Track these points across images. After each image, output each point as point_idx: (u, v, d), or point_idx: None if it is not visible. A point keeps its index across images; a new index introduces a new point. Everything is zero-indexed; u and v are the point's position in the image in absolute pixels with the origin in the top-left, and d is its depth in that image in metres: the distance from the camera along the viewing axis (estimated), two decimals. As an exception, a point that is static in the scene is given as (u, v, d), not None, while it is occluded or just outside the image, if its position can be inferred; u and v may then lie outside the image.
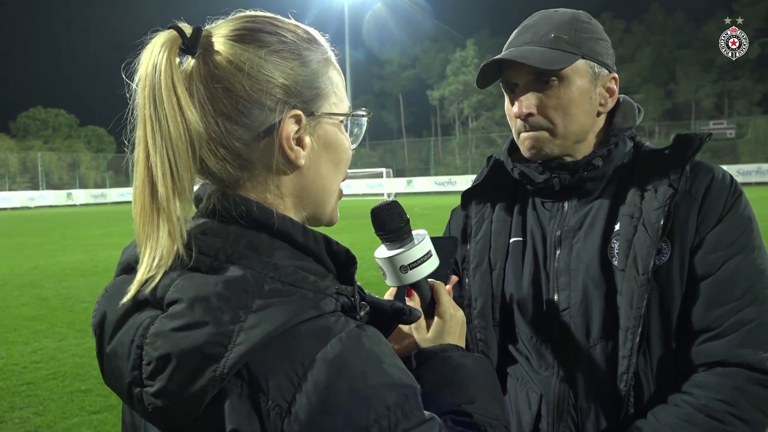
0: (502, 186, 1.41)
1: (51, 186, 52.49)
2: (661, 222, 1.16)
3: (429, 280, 1.04)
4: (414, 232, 1.03)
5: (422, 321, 1.02)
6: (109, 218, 28.47)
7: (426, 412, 0.73)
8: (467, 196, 1.47)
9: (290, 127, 0.80)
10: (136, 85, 0.76)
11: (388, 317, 0.90)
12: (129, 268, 0.83)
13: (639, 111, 1.33)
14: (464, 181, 40.27)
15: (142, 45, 0.77)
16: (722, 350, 1.13)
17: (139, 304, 0.76)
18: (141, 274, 0.74)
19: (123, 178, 59.54)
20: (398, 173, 52.46)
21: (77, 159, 57.57)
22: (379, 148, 61.41)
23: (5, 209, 42.42)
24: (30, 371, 5.45)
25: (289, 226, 0.78)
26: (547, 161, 1.28)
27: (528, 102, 1.24)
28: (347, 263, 0.82)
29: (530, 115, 1.24)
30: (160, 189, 0.73)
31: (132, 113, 0.77)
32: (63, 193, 49.25)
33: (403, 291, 1.06)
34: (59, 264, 12.26)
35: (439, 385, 0.91)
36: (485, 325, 1.36)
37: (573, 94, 1.23)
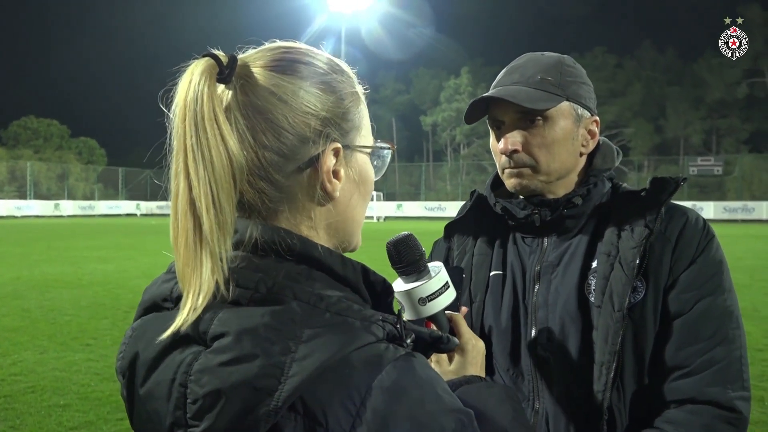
0: (484, 220, 1.45)
1: (39, 196, 52.10)
2: (637, 261, 1.20)
3: (447, 312, 1.04)
4: (430, 265, 1.03)
5: (445, 353, 1.01)
6: (96, 231, 28.27)
7: None
8: (450, 228, 1.51)
9: (330, 160, 0.79)
10: (173, 114, 0.74)
11: (425, 345, 0.89)
12: (155, 306, 0.81)
13: (618, 153, 1.39)
14: (454, 207, 40.39)
15: (179, 73, 0.75)
16: (692, 388, 1.16)
17: (178, 341, 0.73)
18: (186, 311, 0.71)
19: (112, 191, 59.30)
20: (388, 197, 52.61)
21: (67, 170, 57.24)
22: (370, 171, 61.45)
23: (-9, 217, 42.05)
24: (8, 384, 5.35)
25: (329, 257, 0.77)
26: (528, 197, 1.33)
27: (513, 139, 1.28)
28: (384, 293, 0.82)
29: (515, 151, 1.28)
30: (205, 222, 0.71)
31: (169, 143, 0.75)
32: (51, 203, 48.90)
33: (420, 323, 1.03)
34: (43, 275, 12.13)
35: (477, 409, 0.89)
36: None
37: (557, 133, 1.28)
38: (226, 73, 0.75)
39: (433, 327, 1.02)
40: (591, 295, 1.25)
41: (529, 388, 1.30)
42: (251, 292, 0.72)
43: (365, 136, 0.86)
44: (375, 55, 70.95)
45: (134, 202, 55.79)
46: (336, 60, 0.86)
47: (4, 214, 43.76)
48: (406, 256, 1.00)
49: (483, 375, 1.01)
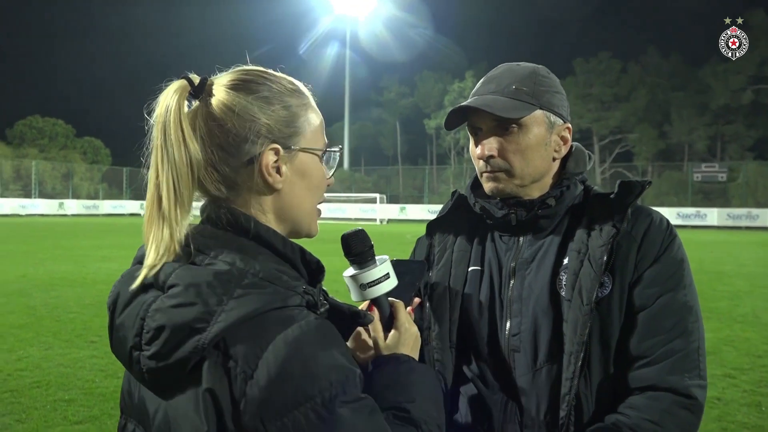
0: (464, 219, 1.54)
1: (44, 195, 52.23)
2: (605, 258, 1.30)
3: (390, 299, 1.20)
4: (378, 257, 1.20)
5: (381, 332, 1.18)
6: (100, 230, 28.36)
7: (363, 394, 0.89)
8: (432, 226, 1.60)
9: (269, 158, 0.99)
10: (153, 121, 0.96)
11: (346, 318, 1.11)
12: (141, 261, 1.01)
13: (589, 158, 1.48)
14: (457, 211, 40.16)
15: (160, 90, 0.99)
16: (654, 376, 1.26)
17: (146, 286, 0.94)
18: (147, 264, 0.93)
19: (116, 191, 59.45)
20: (392, 199, 52.59)
21: (72, 169, 57.40)
22: (373, 173, 61.68)
23: (-4, 216, 42.20)
24: (14, 379, 5.42)
25: (271, 235, 0.98)
26: (505, 198, 1.42)
27: (490, 145, 1.37)
28: (317, 271, 1.02)
29: (491, 157, 1.37)
30: (164, 201, 0.93)
31: (148, 143, 0.98)
32: (55, 202, 49.06)
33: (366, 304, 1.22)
34: (48, 273, 12.21)
35: (387, 386, 1.08)
36: (442, 347, 1.45)
37: (530, 140, 1.36)
38: (196, 91, 0.99)
39: (375, 310, 1.19)
40: (562, 290, 1.34)
41: (503, 376, 1.39)
42: (206, 257, 0.93)
43: (311, 140, 1.05)
44: (379, 58, 71.12)
45: (138, 202, 55.78)
46: (290, 79, 1.07)
47: (9, 212, 43.95)
48: (356, 248, 1.17)
49: (414, 356, 1.17)
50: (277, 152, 1.00)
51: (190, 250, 0.93)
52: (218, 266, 0.91)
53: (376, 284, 1.17)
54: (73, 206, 49.72)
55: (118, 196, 58.78)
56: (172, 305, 0.87)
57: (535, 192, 1.41)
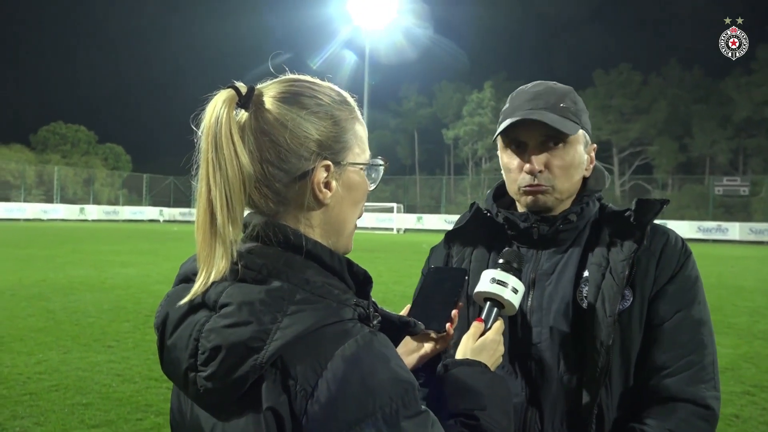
0: (482, 230, 1.57)
1: (65, 200, 52.98)
2: (627, 272, 1.35)
3: (499, 317, 1.28)
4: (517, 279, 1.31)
5: (475, 337, 1.22)
6: (119, 235, 28.68)
7: (423, 407, 0.87)
8: (450, 236, 1.63)
9: (321, 174, 0.98)
10: (201, 133, 0.93)
11: (396, 328, 1.11)
12: (186, 278, 1.01)
13: (607, 177, 1.55)
14: (474, 221, 40.06)
15: (207, 99, 0.95)
16: (673, 387, 1.31)
17: (195, 306, 0.93)
18: (198, 285, 0.92)
19: (136, 197, 60.11)
20: (409, 209, 52.58)
21: (93, 175, 58.22)
22: (391, 183, 61.71)
23: (18, 220, 42.90)
24: (33, 382, 5.49)
25: (319, 249, 0.95)
26: (536, 212, 1.45)
27: (539, 160, 1.41)
28: (365, 282, 1.00)
29: (541, 171, 1.41)
30: (219, 218, 0.90)
31: (197, 155, 0.95)
32: (76, 207, 49.71)
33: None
34: (68, 278, 12.37)
35: (459, 391, 1.09)
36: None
37: (574, 158, 1.43)
38: (243, 101, 0.96)
39: (483, 323, 1.25)
40: (583, 302, 1.38)
41: (522, 384, 1.41)
42: (255, 274, 0.91)
43: (358, 154, 1.03)
44: (398, 68, 71.26)
45: (157, 209, 56.51)
46: (337, 90, 1.05)
47: (31, 217, 44.63)
48: (509, 257, 1.31)
49: (489, 364, 1.18)
50: (328, 168, 0.98)
51: (238, 268, 0.91)
52: (269, 283, 0.90)
53: (502, 286, 1.26)
54: (94, 212, 50.34)
55: (137, 202, 59.44)
56: (226, 325, 0.86)
57: (559, 208, 1.46)
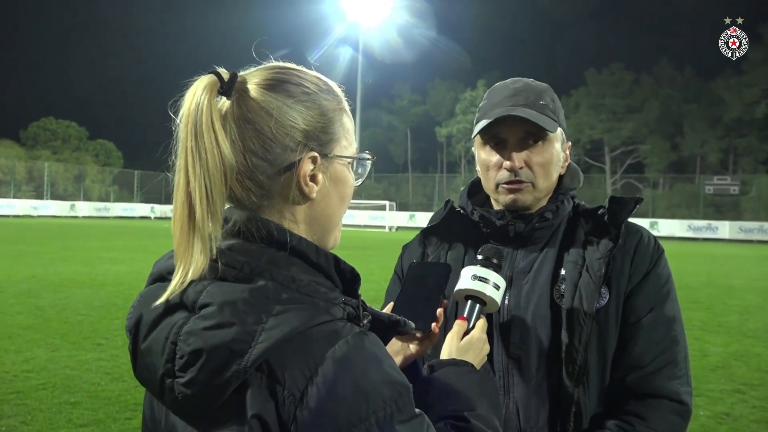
0: (457, 227, 1.56)
1: (55, 196, 52.67)
2: (603, 270, 1.37)
3: (482, 315, 1.25)
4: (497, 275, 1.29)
5: (459, 336, 1.20)
6: (110, 232, 28.54)
7: (417, 410, 0.84)
8: (425, 234, 1.61)
9: (307, 166, 0.92)
10: (179, 121, 0.87)
11: (385, 327, 1.04)
12: (161, 277, 0.95)
13: (581, 175, 1.56)
14: (466, 220, 40.16)
15: (187, 85, 0.89)
16: (650, 384, 1.34)
17: (172, 307, 0.87)
18: (175, 283, 0.85)
19: (127, 194, 59.84)
20: (401, 207, 52.59)
21: (83, 171, 57.89)
22: (384, 180, 61.75)
23: (8, 216, 42.57)
24: (20, 380, 5.44)
25: (304, 245, 0.90)
26: (514, 210, 1.45)
27: (520, 157, 1.41)
28: (352, 279, 0.94)
29: (521, 168, 1.41)
30: (198, 211, 0.84)
31: (174, 144, 0.89)
32: (67, 204, 49.44)
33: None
34: (57, 274, 12.28)
35: (448, 392, 1.06)
36: (438, 356, 1.44)
37: (552, 154, 1.43)
38: (225, 88, 0.89)
39: (465, 321, 1.23)
40: (560, 300, 1.38)
41: (500, 383, 1.40)
42: (236, 272, 0.85)
43: (345, 146, 0.98)
44: (391, 65, 71.20)
45: (149, 205, 56.23)
46: (324, 79, 0.99)
47: (21, 213, 44.34)
48: (489, 253, 1.29)
49: (475, 364, 1.16)
50: (314, 161, 0.93)
51: (218, 265, 0.85)
52: (252, 281, 0.84)
53: (484, 282, 1.24)
54: (84, 208, 50.06)
55: (128, 198, 59.19)
56: (206, 327, 0.80)
57: (536, 205, 1.46)
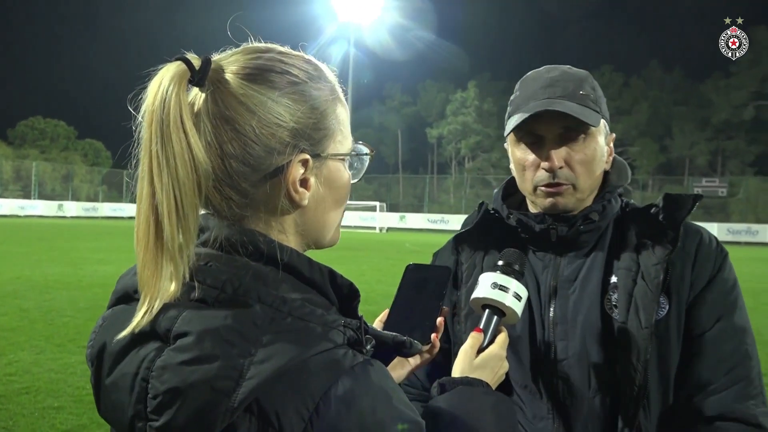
0: (492, 233, 1.40)
1: (43, 196, 52.14)
2: (661, 277, 1.20)
3: (501, 326, 1.12)
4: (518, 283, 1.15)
5: (476, 344, 1.06)
6: (98, 232, 28.28)
7: None
8: (458, 240, 1.46)
9: (297, 171, 0.79)
10: (142, 118, 0.73)
11: (388, 349, 0.89)
12: (126, 296, 0.82)
13: (629, 170, 1.39)
14: (457, 220, 40.36)
15: (150, 76, 0.74)
16: (720, 405, 1.17)
17: (141, 336, 0.74)
18: (140, 314, 0.72)
19: (116, 194, 59.41)
20: (392, 208, 52.48)
21: (72, 171, 57.37)
22: (374, 181, 61.63)
23: (-6, 216, 42.12)
24: (3, 384, 5.32)
25: (296, 259, 0.78)
26: (555, 214, 1.29)
27: (559, 155, 1.25)
28: (350, 296, 0.82)
29: (561, 168, 1.25)
30: (166, 228, 0.71)
31: (136, 147, 0.75)
32: (54, 204, 48.93)
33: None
34: (43, 275, 12.11)
35: (459, 415, 0.92)
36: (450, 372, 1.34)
37: (595, 150, 1.26)
38: (197, 78, 0.75)
39: (482, 333, 1.10)
40: (612, 311, 1.23)
41: (549, 406, 1.26)
42: (217, 292, 0.72)
43: (341, 141, 0.85)
44: (383, 66, 71.26)
45: (138, 205, 55.79)
46: (314, 62, 0.85)
47: (8, 213, 43.84)
48: (511, 258, 1.15)
49: (491, 383, 1.02)
50: (305, 163, 0.79)
51: (194, 284, 0.72)
52: (236, 305, 0.71)
53: (504, 291, 1.11)
54: (73, 208, 49.58)
55: (117, 198, 58.71)
56: (184, 361, 0.68)
57: (579, 206, 1.30)
